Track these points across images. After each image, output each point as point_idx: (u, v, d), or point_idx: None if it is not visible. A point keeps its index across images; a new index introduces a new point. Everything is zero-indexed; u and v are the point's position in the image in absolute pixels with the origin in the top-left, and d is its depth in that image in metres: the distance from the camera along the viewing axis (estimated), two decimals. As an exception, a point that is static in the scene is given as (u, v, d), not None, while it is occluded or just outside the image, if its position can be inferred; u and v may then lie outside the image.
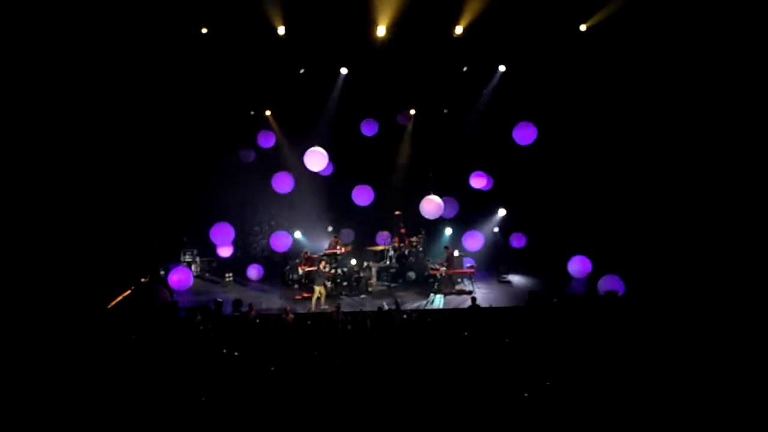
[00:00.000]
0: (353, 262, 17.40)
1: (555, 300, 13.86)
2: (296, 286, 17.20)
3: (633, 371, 8.96)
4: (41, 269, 13.56)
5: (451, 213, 18.51)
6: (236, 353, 10.02)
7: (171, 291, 15.50)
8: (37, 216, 13.96)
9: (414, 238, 18.24)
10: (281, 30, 15.84)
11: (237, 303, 14.47)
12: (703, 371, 8.85)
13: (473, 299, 13.77)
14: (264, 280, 17.97)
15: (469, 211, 18.93)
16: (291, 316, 12.88)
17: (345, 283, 16.77)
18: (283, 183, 17.61)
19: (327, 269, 16.05)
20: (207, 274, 18.59)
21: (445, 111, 19.32)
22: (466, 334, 10.98)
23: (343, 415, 8.07)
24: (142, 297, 15.18)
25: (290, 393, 8.58)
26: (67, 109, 14.44)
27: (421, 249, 18.09)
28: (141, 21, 14.57)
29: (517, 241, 18.93)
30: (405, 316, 12.66)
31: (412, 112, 18.85)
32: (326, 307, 14.93)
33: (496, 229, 19.18)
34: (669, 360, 9.32)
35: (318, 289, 15.29)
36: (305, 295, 16.22)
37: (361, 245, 18.51)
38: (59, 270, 13.88)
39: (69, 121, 14.56)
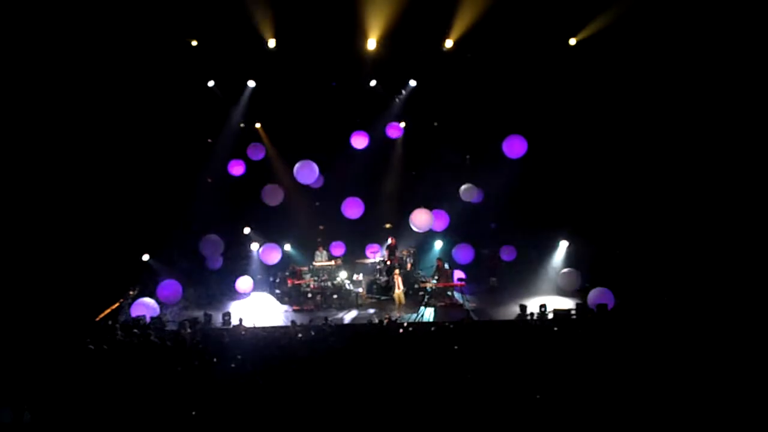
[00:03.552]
0: (343, 275, 17.35)
1: (542, 306, 13.95)
2: (286, 298, 17.12)
3: (623, 385, 8.95)
4: (28, 281, 13.41)
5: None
6: (233, 365, 9.94)
7: (160, 304, 15.37)
8: (23, 228, 13.83)
9: (404, 251, 18.20)
10: (272, 43, 15.88)
11: (226, 316, 14.42)
12: (695, 384, 8.85)
13: (466, 312, 13.80)
14: (252, 292, 17.84)
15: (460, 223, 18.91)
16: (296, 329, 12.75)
17: (335, 296, 16.71)
18: (272, 195, 17.54)
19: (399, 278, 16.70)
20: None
21: (435, 124, 19.34)
22: (456, 347, 10.93)
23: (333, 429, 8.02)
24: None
25: (280, 407, 8.50)
26: (60, 115, 14.37)
27: (411, 262, 18.04)
28: (131, 31, 14.56)
29: (507, 254, 18.89)
30: (401, 330, 12.61)
31: (402, 124, 18.84)
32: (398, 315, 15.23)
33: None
34: (660, 373, 9.31)
35: (398, 295, 16.21)
36: (295, 307, 16.29)
37: (351, 258, 18.45)
38: (46, 282, 13.72)
39: (63, 128, 14.50)
